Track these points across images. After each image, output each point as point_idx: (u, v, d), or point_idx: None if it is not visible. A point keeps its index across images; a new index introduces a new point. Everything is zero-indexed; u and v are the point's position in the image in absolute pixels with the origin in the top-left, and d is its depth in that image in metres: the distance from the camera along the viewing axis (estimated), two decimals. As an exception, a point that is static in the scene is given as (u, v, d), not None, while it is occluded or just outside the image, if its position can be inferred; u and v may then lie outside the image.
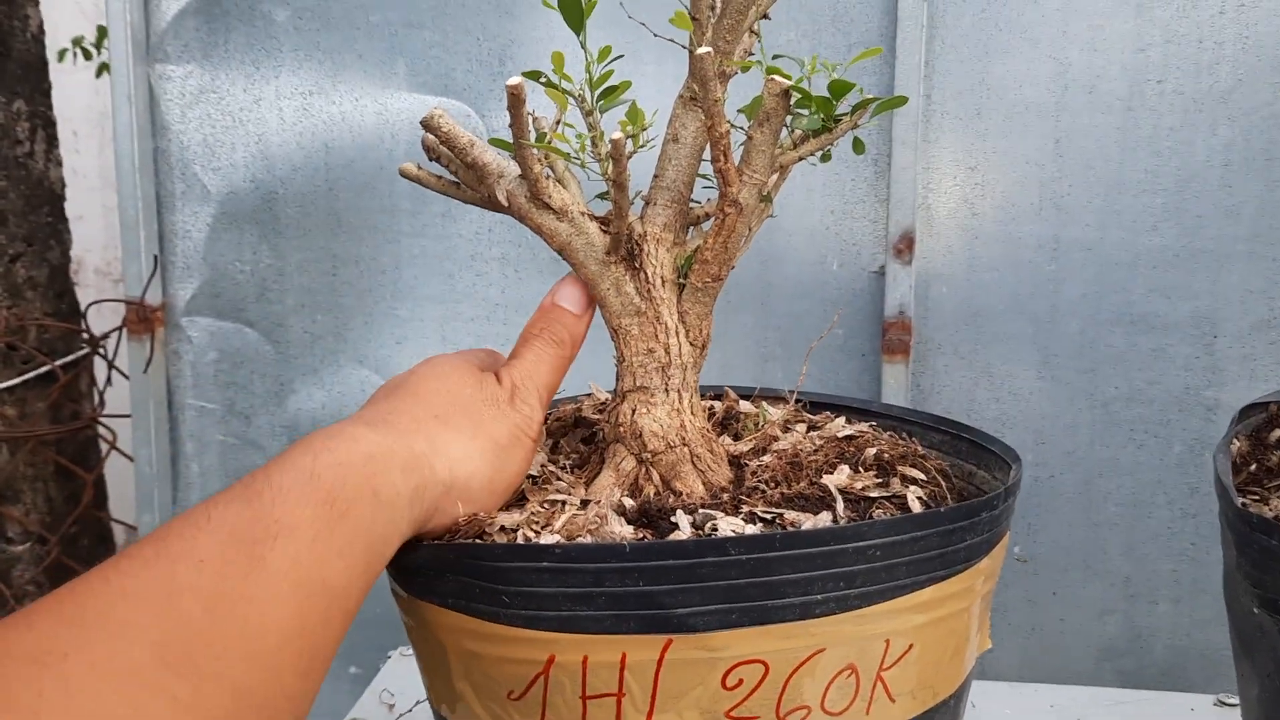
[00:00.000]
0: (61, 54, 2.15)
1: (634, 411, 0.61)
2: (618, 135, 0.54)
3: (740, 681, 0.51)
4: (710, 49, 0.53)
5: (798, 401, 0.71)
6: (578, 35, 0.61)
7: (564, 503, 0.58)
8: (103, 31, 2.23)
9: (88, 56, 2.28)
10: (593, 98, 0.63)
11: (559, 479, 0.61)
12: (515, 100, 0.55)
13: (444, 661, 0.55)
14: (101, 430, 1.63)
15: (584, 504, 0.58)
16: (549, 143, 0.60)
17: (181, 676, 0.41)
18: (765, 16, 0.63)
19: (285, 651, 0.45)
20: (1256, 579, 0.59)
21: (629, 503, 0.58)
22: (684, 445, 0.60)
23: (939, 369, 1.19)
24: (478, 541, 0.54)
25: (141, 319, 1.33)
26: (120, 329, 1.39)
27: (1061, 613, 1.21)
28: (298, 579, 0.45)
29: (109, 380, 1.54)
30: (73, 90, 2.51)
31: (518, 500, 0.60)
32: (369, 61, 1.27)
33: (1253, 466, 0.70)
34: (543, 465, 0.63)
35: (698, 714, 0.51)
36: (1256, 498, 0.68)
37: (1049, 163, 1.14)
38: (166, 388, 1.37)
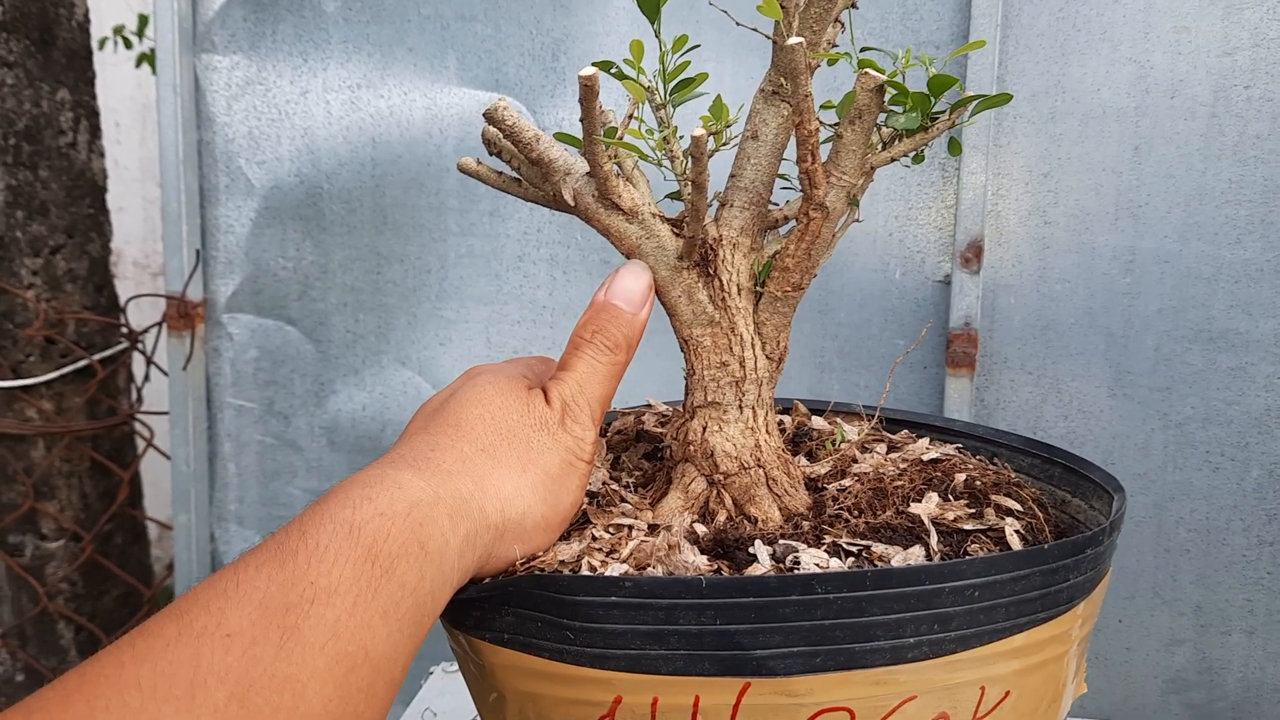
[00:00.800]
0: (102, 42, 2.13)
1: (705, 429, 0.57)
2: (699, 131, 0.50)
3: (823, 730, 0.47)
4: (802, 40, 0.49)
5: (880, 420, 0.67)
6: (653, 24, 0.57)
7: (630, 528, 0.53)
8: (144, 20, 2.22)
9: (128, 45, 2.27)
10: (665, 91, 0.59)
11: (623, 499, 0.57)
12: (588, 92, 0.51)
13: (498, 701, 0.51)
14: (138, 427, 1.61)
15: (652, 529, 0.53)
16: (621, 138, 0.56)
17: None
18: (853, 5, 0.59)
19: None
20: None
21: (701, 529, 0.53)
22: (759, 467, 0.56)
23: (1004, 384, 1.14)
24: (540, 572, 0.50)
25: (182, 314, 1.30)
26: (160, 324, 1.37)
27: (1128, 641, 1.15)
28: (337, 652, 0.41)
29: (147, 376, 1.52)
30: (115, 80, 2.50)
31: (578, 521, 0.56)
32: (419, 55, 1.23)
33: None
34: (604, 482, 0.59)
35: (776, 763, 0.46)
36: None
37: (1127, 170, 1.09)
38: (205, 385, 1.34)
